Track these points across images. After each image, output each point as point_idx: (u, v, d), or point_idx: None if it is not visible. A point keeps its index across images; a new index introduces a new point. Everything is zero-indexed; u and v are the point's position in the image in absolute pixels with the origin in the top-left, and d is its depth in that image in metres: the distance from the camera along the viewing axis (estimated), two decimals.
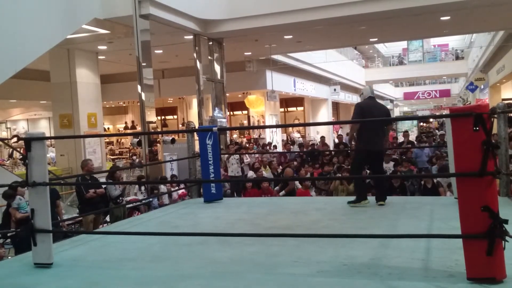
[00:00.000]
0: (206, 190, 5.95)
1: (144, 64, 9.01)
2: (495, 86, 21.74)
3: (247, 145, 17.83)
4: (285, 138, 20.98)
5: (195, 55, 11.29)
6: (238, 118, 22.34)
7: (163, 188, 9.33)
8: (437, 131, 27.35)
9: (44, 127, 20.89)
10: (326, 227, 4.19)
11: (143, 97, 9.09)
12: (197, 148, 6.29)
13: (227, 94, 13.32)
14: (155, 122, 9.88)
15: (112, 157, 19.84)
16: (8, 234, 6.40)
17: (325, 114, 24.70)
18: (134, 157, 17.93)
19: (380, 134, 5.37)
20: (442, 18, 11.77)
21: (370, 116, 5.26)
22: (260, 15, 10.72)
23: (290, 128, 22.78)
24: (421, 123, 27.93)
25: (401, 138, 14.90)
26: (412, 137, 15.10)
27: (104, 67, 14.42)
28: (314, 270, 2.97)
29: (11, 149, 11.94)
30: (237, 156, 11.42)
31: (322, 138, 15.80)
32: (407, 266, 2.93)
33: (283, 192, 8.74)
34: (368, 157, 5.44)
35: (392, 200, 5.33)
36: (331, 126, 23.76)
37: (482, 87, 24.66)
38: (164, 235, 3.99)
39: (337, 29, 12.40)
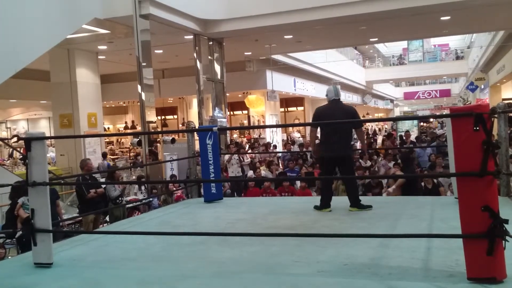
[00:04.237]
0: (206, 190, 5.95)
1: (144, 64, 9.00)
2: (495, 86, 21.74)
3: (249, 144, 17.81)
4: (285, 138, 20.97)
5: (195, 55, 11.28)
6: (238, 118, 22.34)
7: None
8: (437, 129, 27.33)
9: (44, 127, 20.88)
10: (326, 227, 4.19)
11: (143, 97, 9.09)
12: (197, 148, 6.29)
13: (227, 94, 13.32)
14: (155, 122, 9.87)
15: (112, 157, 19.81)
16: (16, 235, 6.35)
17: None
18: (138, 157, 17.87)
19: (340, 139, 5.03)
20: (442, 18, 11.76)
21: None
22: (260, 15, 10.71)
23: (290, 128, 22.77)
24: (421, 123, 27.88)
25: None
26: (412, 137, 15.09)
27: (104, 67, 14.41)
28: (314, 270, 2.97)
29: (11, 149, 11.94)
30: (237, 156, 11.41)
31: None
32: (407, 266, 2.93)
33: None
34: (330, 163, 5.16)
35: (392, 200, 5.32)
36: None
37: (482, 87, 24.65)
38: (164, 235, 3.99)
39: (337, 29, 12.39)
